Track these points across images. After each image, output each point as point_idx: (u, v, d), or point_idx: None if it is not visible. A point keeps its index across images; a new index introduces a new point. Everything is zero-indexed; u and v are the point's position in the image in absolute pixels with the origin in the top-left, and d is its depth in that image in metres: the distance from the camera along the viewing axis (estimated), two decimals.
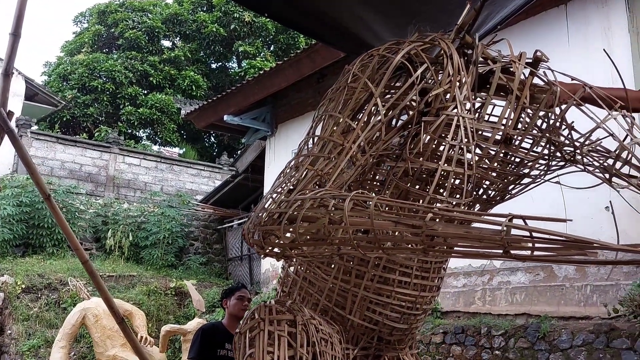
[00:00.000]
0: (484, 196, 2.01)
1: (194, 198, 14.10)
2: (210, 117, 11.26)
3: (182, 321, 8.54)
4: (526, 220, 1.23)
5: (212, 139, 22.06)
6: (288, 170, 1.64)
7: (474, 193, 1.99)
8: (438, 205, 1.60)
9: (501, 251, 1.20)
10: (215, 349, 3.76)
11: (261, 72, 10.78)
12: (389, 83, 1.79)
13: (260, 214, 1.50)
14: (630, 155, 1.78)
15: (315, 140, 1.67)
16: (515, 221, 1.22)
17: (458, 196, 1.81)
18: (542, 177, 2.01)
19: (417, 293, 2.02)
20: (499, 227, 1.20)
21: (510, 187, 2.02)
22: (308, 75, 9.16)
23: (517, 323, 5.78)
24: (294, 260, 2.08)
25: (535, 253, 1.21)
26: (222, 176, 15.50)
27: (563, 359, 4.94)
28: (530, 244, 1.17)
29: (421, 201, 1.76)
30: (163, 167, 14.78)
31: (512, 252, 1.20)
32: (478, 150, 1.89)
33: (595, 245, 1.12)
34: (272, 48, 21.34)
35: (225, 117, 10.63)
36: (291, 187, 1.53)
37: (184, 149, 19.70)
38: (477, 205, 2.07)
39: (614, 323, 4.88)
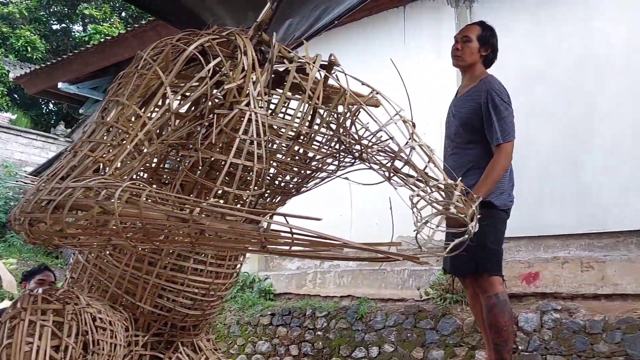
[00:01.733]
0: (281, 188, 2.09)
1: (22, 170, 13.00)
2: (44, 83, 10.42)
3: None
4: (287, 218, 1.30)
5: (51, 106, 20.46)
6: (65, 156, 1.59)
7: (271, 185, 2.06)
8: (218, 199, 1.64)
9: (259, 247, 1.27)
10: None
11: (103, 40, 10.20)
12: (187, 73, 1.79)
13: (28, 200, 1.44)
14: (408, 157, 1.95)
15: (99, 125, 1.62)
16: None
17: (256, 188, 1.86)
18: (335, 173, 2.14)
19: (212, 280, 2.06)
20: (259, 224, 1.26)
21: (306, 181, 2.12)
22: None
23: (341, 305, 6.09)
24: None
25: (294, 248, 1.30)
26: (57, 147, 14.44)
27: (376, 339, 5.30)
28: (286, 241, 1.25)
29: (212, 192, 1.79)
30: None
31: (270, 247, 1.27)
32: (273, 145, 1.95)
33: (339, 243, 1.22)
34: (123, 15, 20.18)
35: (60, 85, 9.92)
36: (66, 174, 1.48)
37: (17, 115, 18.04)
38: (277, 196, 2.15)
39: (422, 305, 5.33)
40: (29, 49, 17.65)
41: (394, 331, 5.23)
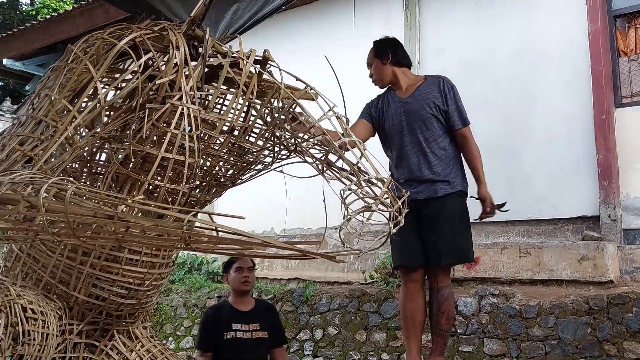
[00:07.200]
0: (216, 180, 2.13)
1: None
2: None
3: None
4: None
5: None
6: None
7: (206, 177, 2.10)
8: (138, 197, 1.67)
9: (183, 244, 1.31)
10: (221, 333, 3.47)
11: (49, 16, 9.89)
12: (118, 67, 1.80)
13: None
14: (343, 152, 2.01)
15: (27, 119, 1.62)
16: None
17: (191, 181, 1.89)
18: (271, 165, 2.19)
19: (146, 270, 2.09)
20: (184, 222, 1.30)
21: (241, 173, 2.16)
22: (101, 26, 8.62)
23: (288, 287, 6.18)
24: None
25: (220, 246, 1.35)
26: (3, 124, 13.97)
27: (321, 321, 5.40)
28: (208, 239, 1.29)
29: (144, 185, 1.81)
30: None
31: (194, 245, 1.31)
32: (208, 138, 1.99)
33: (260, 242, 1.28)
34: None
35: (5, 62, 9.63)
36: None
37: None
38: (212, 188, 2.19)
39: (366, 289, 5.46)
40: None
41: (338, 314, 5.34)
